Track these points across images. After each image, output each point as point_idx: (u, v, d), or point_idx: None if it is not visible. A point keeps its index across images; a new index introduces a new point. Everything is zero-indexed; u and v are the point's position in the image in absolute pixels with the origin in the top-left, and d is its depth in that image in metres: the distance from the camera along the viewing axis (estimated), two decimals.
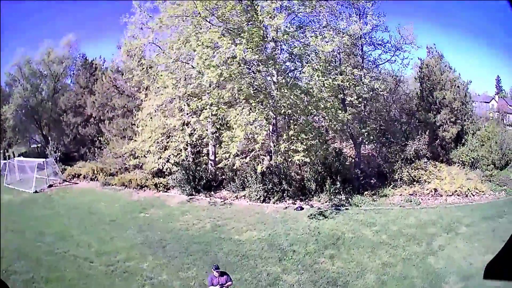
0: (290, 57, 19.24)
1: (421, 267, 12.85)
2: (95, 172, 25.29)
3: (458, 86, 23.92)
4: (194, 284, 12.52)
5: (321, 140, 19.10)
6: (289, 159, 18.72)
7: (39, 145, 32.11)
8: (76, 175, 26.04)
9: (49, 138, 29.19)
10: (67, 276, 13.14)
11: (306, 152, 17.92)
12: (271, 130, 19.14)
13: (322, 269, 13.24)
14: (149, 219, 18.46)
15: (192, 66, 19.45)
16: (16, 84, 30.06)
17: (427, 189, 19.22)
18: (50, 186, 24.74)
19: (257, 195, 20.09)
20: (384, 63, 22.17)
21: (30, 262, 14.14)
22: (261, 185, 20.02)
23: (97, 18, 63.18)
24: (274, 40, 17.74)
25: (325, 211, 18.57)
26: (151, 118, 21.57)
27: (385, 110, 22.98)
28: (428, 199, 18.89)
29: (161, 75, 20.39)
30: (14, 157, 28.54)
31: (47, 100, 30.72)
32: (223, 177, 22.55)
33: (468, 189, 19.08)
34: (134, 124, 23.78)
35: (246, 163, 19.90)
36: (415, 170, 20.83)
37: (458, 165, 22.35)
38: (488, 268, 2.39)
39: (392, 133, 22.96)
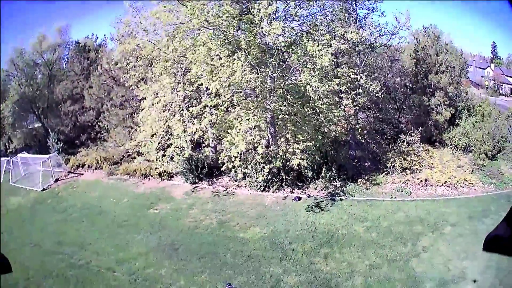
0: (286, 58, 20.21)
1: (404, 270, 15.34)
2: (99, 161, 27.32)
3: (454, 67, 25.11)
4: None
5: (317, 136, 20.87)
6: (288, 163, 20.57)
7: (38, 131, 33.23)
8: (80, 165, 27.97)
9: (49, 129, 30.42)
10: None
11: (304, 153, 19.82)
12: (269, 132, 20.84)
13: (317, 270, 15.84)
14: (158, 216, 20.93)
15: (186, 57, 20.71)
16: (10, 79, 30.92)
17: (418, 178, 21.35)
18: (57, 180, 26.62)
19: (257, 185, 22.30)
20: (380, 47, 23.32)
21: (58, 279, 16.54)
22: (261, 175, 22.10)
23: None
24: (271, 46, 18.71)
25: (321, 202, 20.91)
26: (150, 114, 23.01)
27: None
28: (419, 189, 21.08)
29: (160, 71, 21.60)
30: (16, 152, 29.79)
31: (43, 89, 31.72)
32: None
33: (458, 181, 20.99)
34: (133, 114, 25.39)
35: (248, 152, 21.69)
36: (407, 155, 22.80)
37: (451, 147, 24.27)
38: (488, 239, 2.23)
39: (386, 113, 24.62)
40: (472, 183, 21.20)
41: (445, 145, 24.78)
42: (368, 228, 18.30)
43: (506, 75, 45.45)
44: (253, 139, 19.28)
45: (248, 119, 18.93)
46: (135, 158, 26.38)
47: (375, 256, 16.34)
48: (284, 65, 19.43)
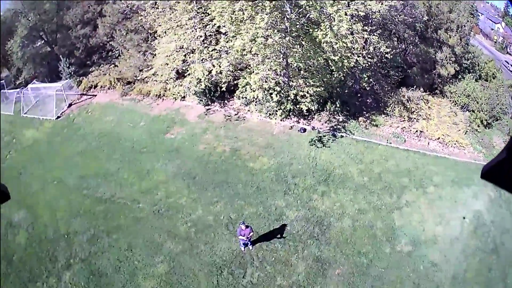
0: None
1: (386, 220, 18.41)
2: (112, 82, 28.15)
3: (464, 25, 26.13)
4: (223, 218, 18.47)
5: (325, 79, 22.33)
6: (298, 106, 22.37)
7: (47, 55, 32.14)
8: (93, 86, 28.61)
9: (60, 55, 29.94)
10: (123, 224, 18.26)
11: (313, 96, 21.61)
12: (283, 76, 22.20)
13: (314, 207, 19.00)
14: (175, 142, 23.33)
15: None
16: (18, 16, 29.39)
17: (414, 128, 23.60)
18: (70, 105, 27.17)
19: (269, 116, 24.36)
20: None
21: (86, 216, 18.79)
22: (273, 117, 23.94)
23: None
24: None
25: (324, 136, 23.35)
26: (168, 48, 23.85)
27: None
28: (413, 138, 23.43)
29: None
30: (26, 84, 29.32)
31: (52, 16, 30.67)
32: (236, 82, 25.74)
33: (450, 140, 22.92)
34: (148, 39, 26.62)
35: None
36: (407, 101, 24.66)
37: (450, 101, 25.91)
38: (487, 167, 1.59)
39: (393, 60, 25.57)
40: (463, 147, 22.91)
41: (445, 96, 26.41)
42: (362, 171, 21.07)
43: None
44: (269, 86, 20.77)
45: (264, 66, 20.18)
46: (148, 78, 27.22)
47: (364, 201, 19.33)
48: (301, 17, 19.95)
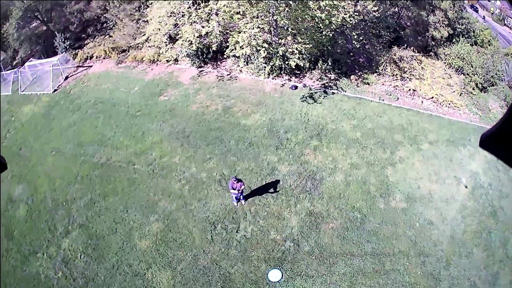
0: None
1: (379, 176, 16.82)
2: (107, 52, 26.25)
3: None
4: (216, 175, 17.09)
5: (315, 37, 20.32)
6: (286, 62, 20.45)
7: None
8: (89, 57, 26.75)
9: (55, 31, 27.73)
10: (119, 186, 17.05)
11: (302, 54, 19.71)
12: (272, 34, 20.25)
13: (306, 162, 17.49)
14: (169, 104, 21.56)
15: None
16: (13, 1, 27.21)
17: (407, 87, 21.62)
18: (67, 77, 25.39)
19: (258, 73, 22.60)
20: None
21: (83, 183, 17.52)
22: (262, 73, 22.36)
23: None
24: None
25: (315, 93, 21.55)
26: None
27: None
28: (406, 97, 21.43)
29: None
30: (23, 63, 27.26)
31: None
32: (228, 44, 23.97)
33: (445, 100, 20.91)
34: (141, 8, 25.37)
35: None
36: (399, 61, 22.61)
37: (444, 63, 23.79)
38: (485, 136, 1.39)
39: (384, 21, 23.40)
40: (458, 107, 20.93)
41: (439, 58, 24.28)
42: (354, 126, 19.35)
43: None
44: (257, 43, 19.07)
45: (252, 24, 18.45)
46: (142, 45, 25.63)
47: (356, 156, 17.73)
48: None
